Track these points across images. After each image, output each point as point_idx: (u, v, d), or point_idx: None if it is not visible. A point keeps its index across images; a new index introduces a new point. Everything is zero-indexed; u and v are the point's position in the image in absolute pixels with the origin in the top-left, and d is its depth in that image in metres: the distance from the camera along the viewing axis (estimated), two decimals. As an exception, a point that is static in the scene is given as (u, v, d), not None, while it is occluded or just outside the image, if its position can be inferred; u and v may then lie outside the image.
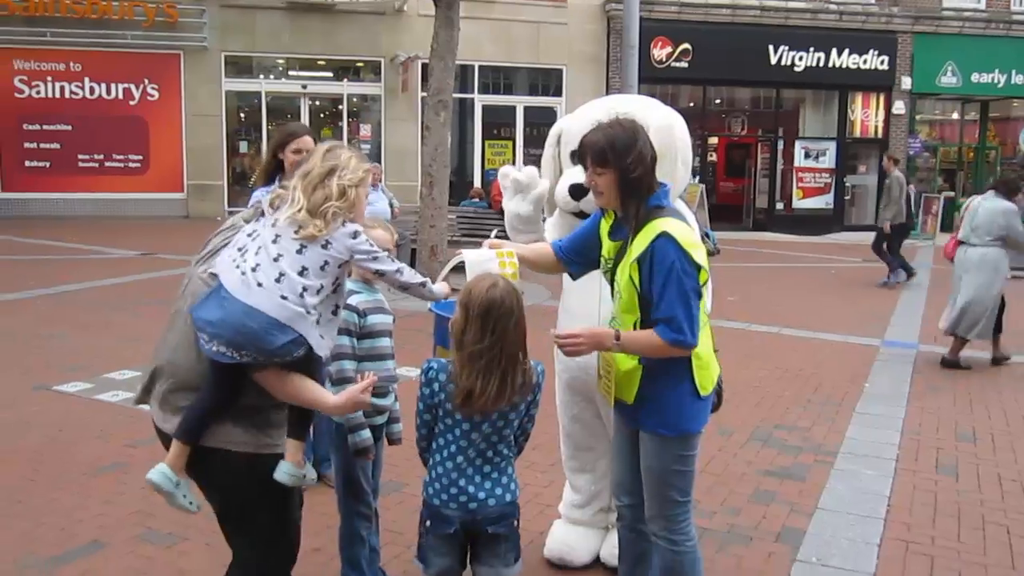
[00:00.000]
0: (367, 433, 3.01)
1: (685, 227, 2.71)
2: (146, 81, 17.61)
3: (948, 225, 20.45)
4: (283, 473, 2.47)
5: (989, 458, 5.19)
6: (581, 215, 3.41)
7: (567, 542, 3.65)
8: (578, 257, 3.03)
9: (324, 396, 2.43)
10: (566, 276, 3.23)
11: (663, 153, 3.20)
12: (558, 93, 19.93)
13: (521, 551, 2.66)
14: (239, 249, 2.39)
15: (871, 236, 19.19)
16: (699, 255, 2.68)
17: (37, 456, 4.83)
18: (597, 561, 3.69)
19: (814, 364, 7.40)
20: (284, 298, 2.28)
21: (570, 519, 3.74)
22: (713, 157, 22.06)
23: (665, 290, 2.63)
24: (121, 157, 17.57)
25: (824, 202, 20.28)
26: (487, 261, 2.77)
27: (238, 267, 2.33)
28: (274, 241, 2.35)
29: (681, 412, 2.80)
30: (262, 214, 2.49)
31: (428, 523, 2.57)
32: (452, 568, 2.59)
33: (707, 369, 2.82)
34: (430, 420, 2.55)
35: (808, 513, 4.27)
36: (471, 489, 2.51)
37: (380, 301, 3.13)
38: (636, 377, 2.81)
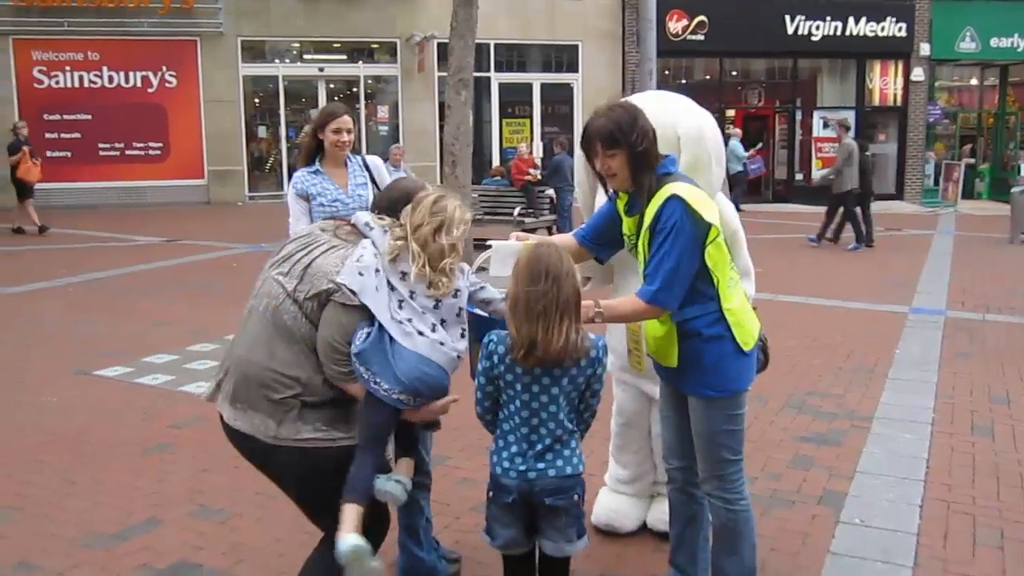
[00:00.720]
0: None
1: (695, 188, 2.77)
2: (164, 68, 17.70)
3: (969, 192, 20.37)
4: (395, 486, 2.58)
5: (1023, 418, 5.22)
6: None
7: (614, 508, 3.71)
8: (601, 240, 3.08)
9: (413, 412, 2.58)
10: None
11: (697, 163, 3.24)
12: (574, 69, 19.88)
13: (586, 529, 2.65)
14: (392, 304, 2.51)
15: (892, 205, 19.13)
16: (709, 213, 2.73)
17: (84, 438, 4.94)
18: (644, 528, 3.75)
19: (843, 332, 7.42)
20: (442, 344, 2.53)
21: (617, 491, 3.80)
22: (731, 130, 21.93)
23: (659, 248, 2.70)
24: (141, 145, 17.70)
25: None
26: (515, 251, 2.77)
27: (399, 322, 2.50)
28: (412, 296, 2.53)
29: (725, 371, 2.83)
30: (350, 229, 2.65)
31: (491, 493, 2.60)
32: (517, 540, 2.60)
33: (744, 324, 2.84)
34: (492, 391, 2.57)
35: (848, 477, 4.31)
36: (532, 459, 2.53)
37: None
38: (673, 340, 2.86)
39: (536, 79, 19.98)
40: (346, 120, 4.12)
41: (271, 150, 19.29)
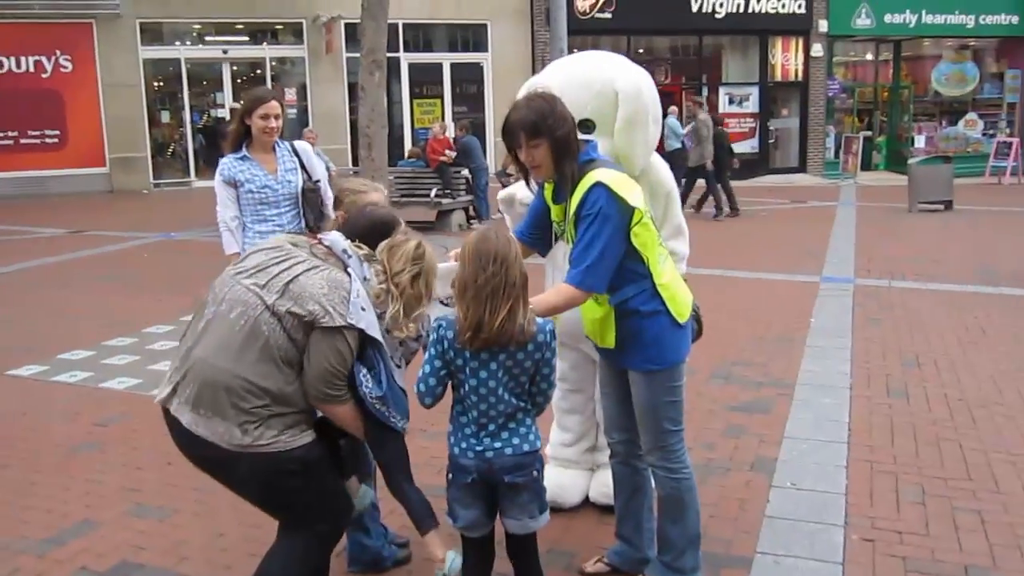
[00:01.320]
0: None
1: (617, 173, 2.83)
2: (58, 52, 16.94)
3: (867, 164, 21.22)
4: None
5: (934, 380, 5.51)
6: None
7: (559, 483, 3.76)
8: (539, 234, 3.13)
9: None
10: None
11: (635, 118, 3.31)
12: (483, 49, 19.83)
13: (547, 504, 2.69)
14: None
15: (795, 178, 19.85)
16: (633, 196, 2.79)
17: (7, 441, 4.75)
18: (587, 502, 3.84)
19: (761, 302, 7.68)
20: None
21: (559, 460, 3.86)
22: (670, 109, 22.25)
23: (585, 233, 2.76)
24: (37, 133, 16.93)
25: (750, 146, 20.68)
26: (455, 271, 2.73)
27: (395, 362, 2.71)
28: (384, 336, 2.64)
29: (663, 344, 2.90)
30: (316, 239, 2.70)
31: (450, 475, 2.63)
32: (479, 520, 2.63)
33: (677, 298, 2.92)
34: (445, 375, 2.58)
35: (776, 443, 4.48)
36: (487, 439, 2.56)
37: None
38: (611, 321, 2.93)
39: (446, 59, 19.88)
40: (274, 106, 4.06)
41: (175, 136, 18.70)
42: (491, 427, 2.57)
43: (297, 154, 4.28)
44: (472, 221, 13.23)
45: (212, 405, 2.43)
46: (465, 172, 12.85)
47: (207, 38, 18.54)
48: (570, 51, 14.75)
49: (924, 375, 5.63)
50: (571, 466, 3.86)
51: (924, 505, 3.79)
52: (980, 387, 5.35)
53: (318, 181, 4.33)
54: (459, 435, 2.61)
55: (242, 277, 2.52)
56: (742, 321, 7.01)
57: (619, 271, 2.85)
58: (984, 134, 21.34)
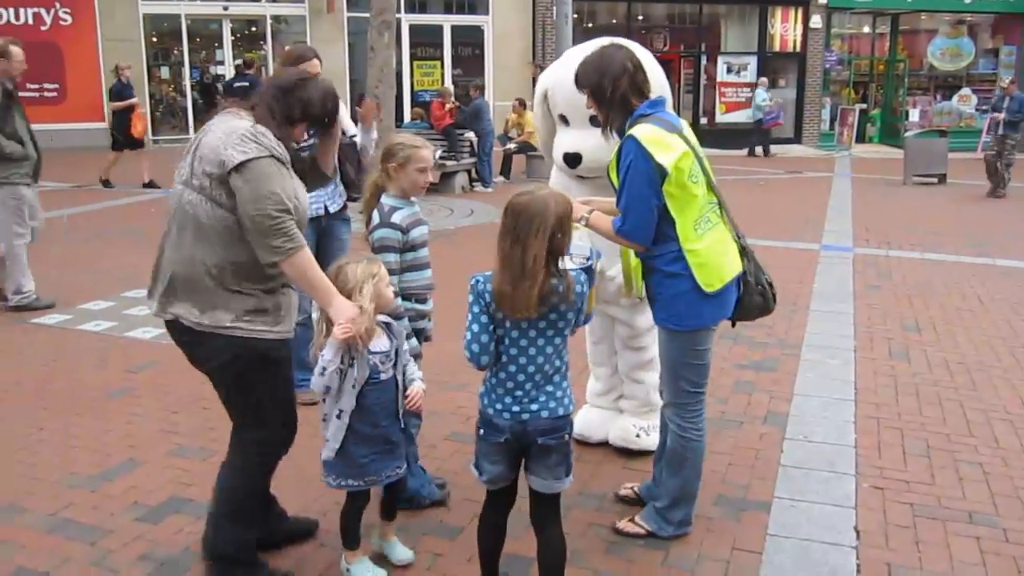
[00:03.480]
0: (415, 341, 3.23)
1: (656, 130, 2.93)
2: (57, 5, 16.80)
3: (861, 136, 21.36)
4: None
5: (934, 344, 5.73)
6: (580, 176, 3.73)
7: (588, 420, 4.10)
8: None
9: (334, 297, 2.68)
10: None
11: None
12: (484, 11, 19.75)
13: (572, 465, 2.71)
14: None
15: (790, 149, 19.98)
16: (663, 154, 2.88)
17: (43, 386, 4.90)
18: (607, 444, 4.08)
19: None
20: None
21: (591, 403, 4.18)
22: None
23: (624, 186, 2.93)
24: (35, 86, 16.75)
25: (746, 116, 20.78)
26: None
27: None
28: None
29: (684, 308, 3.03)
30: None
31: (481, 431, 2.63)
32: (504, 475, 2.66)
33: (708, 266, 3.01)
34: (488, 323, 2.53)
35: (787, 399, 4.69)
36: (525, 400, 2.55)
37: (418, 214, 3.30)
38: (639, 272, 3.13)
39: (446, 21, 19.80)
40: (315, 64, 4.18)
41: (174, 92, 18.62)
42: (529, 387, 2.56)
43: None
44: (475, 184, 13.33)
45: (173, 292, 2.71)
46: (470, 135, 12.92)
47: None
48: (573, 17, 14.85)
49: (924, 339, 5.84)
50: (600, 408, 4.13)
51: (929, 458, 4.01)
52: (978, 352, 5.57)
53: (354, 136, 4.46)
54: (494, 395, 2.60)
55: (176, 184, 2.74)
56: (747, 286, 7.19)
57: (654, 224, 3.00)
58: (977, 109, 21.50)
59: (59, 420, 4.41)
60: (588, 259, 2.70)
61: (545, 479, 2.63)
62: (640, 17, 21.65)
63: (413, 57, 19.69)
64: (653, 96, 3.09)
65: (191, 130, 18.23)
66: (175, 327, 2.78)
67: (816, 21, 20.85)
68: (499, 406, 2.58)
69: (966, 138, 19.85)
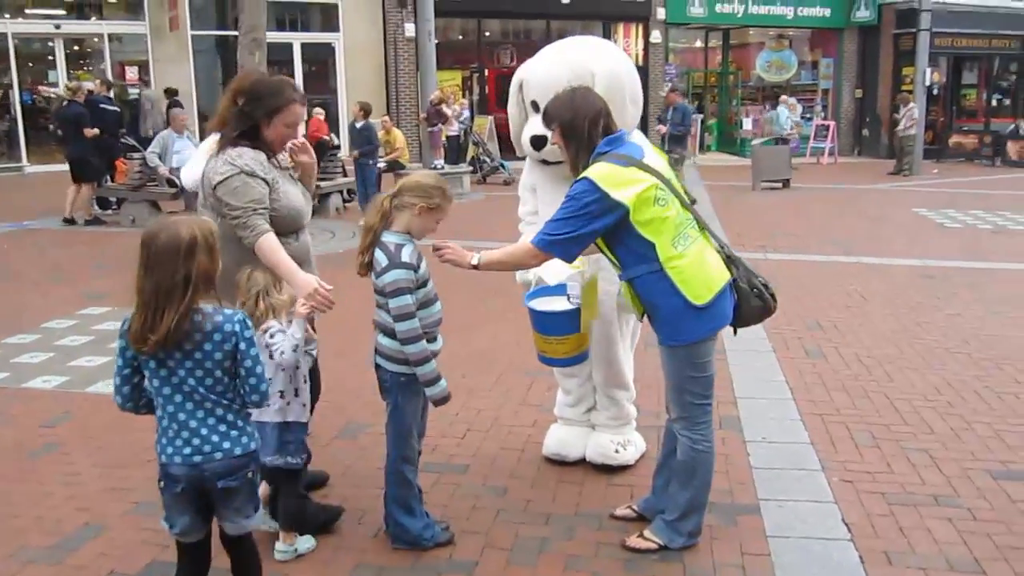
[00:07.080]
0: (444, 382, 3.11)
1: (613, 168, 3.03)
2: None
3: (701, 145, 22.51)
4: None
5: (841, 341, 6.13)
6: (544, 162, 3.85)
7: (563, 439, 4.12)
8: None
9: (295, 274, 3.20)
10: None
11: (611, 97, 3.52)
12: (335, 29, 19.45)
13: (260, 501, 2.68)
14: None
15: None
16: (621, 192, 2.97)
17: (-50, 450, 4.42)
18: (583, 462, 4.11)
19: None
20: None
21: (563, 418, 4.20)
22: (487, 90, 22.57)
23: (560, 208, 3.05)
24: None
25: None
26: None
27: None
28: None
29: (676, 323, 3.12)
30: None
31: (162, 483, 2.50)
32: (194, 526, 2.54)
33: (694, 280, 3.08)
34: (130, 374, 2.44)
35: (732, 402, 4.89)
36: (195, 441, 2.42)
37: (418, 250, 3.20)
38: (631, 294, 3.21)
39: (296, 39, 19.37)
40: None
41: (3, 117, 17.22)
42: (199, 429, 2.42)
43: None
44: (347, 204, 13.09)
45: None
46: (342, 154, 12.68)
47: (36, 12, 17.15)
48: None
49: (830, 337, 6.24)
50: (574, 424, 4.17)
51: (879, 448, 4.29)
52: (880, 346, 6.01)
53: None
54: (164, 440, 2.46)
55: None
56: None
57: (627, 250, 3.10)
58: (802, 117, 23.11)
59: (-16, 488, 3.98)
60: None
61: (235, 521, 2.58)
62: (487, 33, 21.96)
63: (263, 76, 19.08)
64: (617, 129, 3.19)
65: (24, 158, 16.95)
66: None
67: (656, 36, 21.83)
68: (170, 450, 2.45)
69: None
